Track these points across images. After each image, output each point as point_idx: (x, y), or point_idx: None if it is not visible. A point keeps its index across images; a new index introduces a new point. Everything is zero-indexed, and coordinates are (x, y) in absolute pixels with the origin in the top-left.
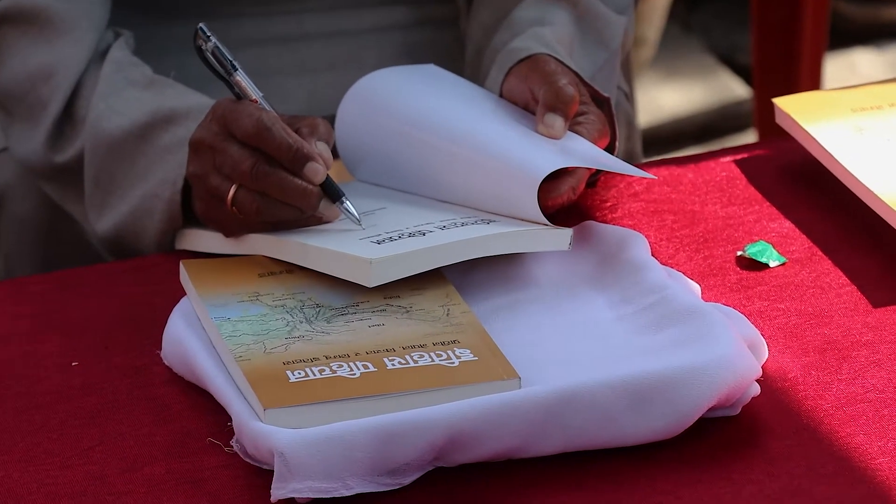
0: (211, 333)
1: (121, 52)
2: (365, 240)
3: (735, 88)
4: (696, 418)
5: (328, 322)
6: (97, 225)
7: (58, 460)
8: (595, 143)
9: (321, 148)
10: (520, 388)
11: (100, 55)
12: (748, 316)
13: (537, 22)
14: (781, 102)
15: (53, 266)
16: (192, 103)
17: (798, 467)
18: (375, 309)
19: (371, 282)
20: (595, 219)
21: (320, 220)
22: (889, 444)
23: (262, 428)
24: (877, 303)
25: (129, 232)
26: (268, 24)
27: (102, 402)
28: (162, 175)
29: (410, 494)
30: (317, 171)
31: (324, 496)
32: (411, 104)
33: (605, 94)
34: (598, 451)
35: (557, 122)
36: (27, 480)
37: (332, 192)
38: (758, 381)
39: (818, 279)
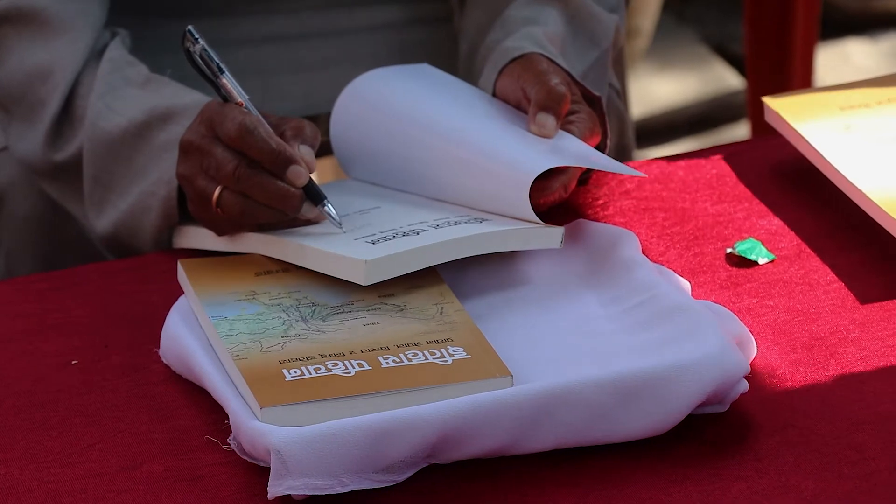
0: (208, 332)
1: (117, 51)
2: (360, 240)
3: (728, 79)
4: (686, 415)
5: (323, 320)
6: (96, 223)
7: (58, 458)
8: (586, 141)
9: (304, 151)
10: (512, 385)
11: (97, 54)
12: (737, 312)
13: (529, 21)
14: (771, 101)
15: (54, 264)
16: (188, 102)
17: (786, 463)
18: (370, 307)
19: (366, 281)
20: (587, 217)
21: (307, 221)
22: (876, 440)
23: (258, 426)
24: (864, 299)
25: (127, 230)
26: (264, 23)
27: (102, 401)
28: (158, 173)
29: (404, 491)
30: (299, 174)
31: (320, 493)
32: (405, 103)
33: (597, 94)
34: (590, 449)
35: (549, 120)
36: (27, 478)
37: (313, 196)
38: (746, 377)
39: (806, 276)
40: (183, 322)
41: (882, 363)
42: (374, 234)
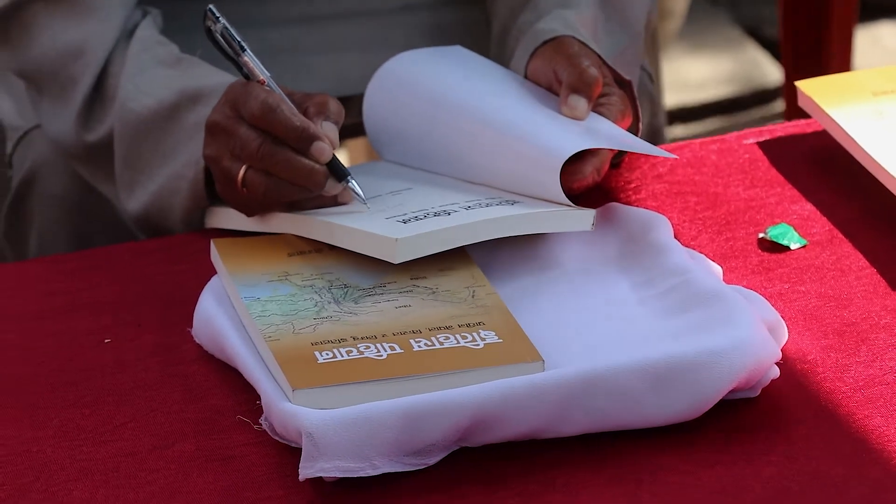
0: (241, 312)
1: (148, 30)
2: (391, 219)
3: (761, 61)
4: (717, 401)
5: (356, 302)
6: (128, 204)
7: (90, 436)
8: (618, 124)
9: (327, 128)
10: (543, 370)
11: (128, 33)
12: (769, 298)
13: (562, 3)
14: (803, 85)
15: (86, 244)
16: (217, 82)
17: (816, 449)
18: (402, 290)
19: (397, 259)
20: (619, 200)
21: (333, 200)
22: None
23: (290, 408)
24: None
25: (157, 210)
26: (297, 3)
27: (134, 380)
28: (187, 155)
29: (435, 474)
30: (323, 150)
31: (351, 475)
32: (438, 86)
33: (627, 77)
34: (620, 433)
35: (581, 103)
36: (60, 456)
37: (338, 172)
38: (777, 363)
39: (838, 262)
40: (216, 302)
41: None
42: (406, 214)
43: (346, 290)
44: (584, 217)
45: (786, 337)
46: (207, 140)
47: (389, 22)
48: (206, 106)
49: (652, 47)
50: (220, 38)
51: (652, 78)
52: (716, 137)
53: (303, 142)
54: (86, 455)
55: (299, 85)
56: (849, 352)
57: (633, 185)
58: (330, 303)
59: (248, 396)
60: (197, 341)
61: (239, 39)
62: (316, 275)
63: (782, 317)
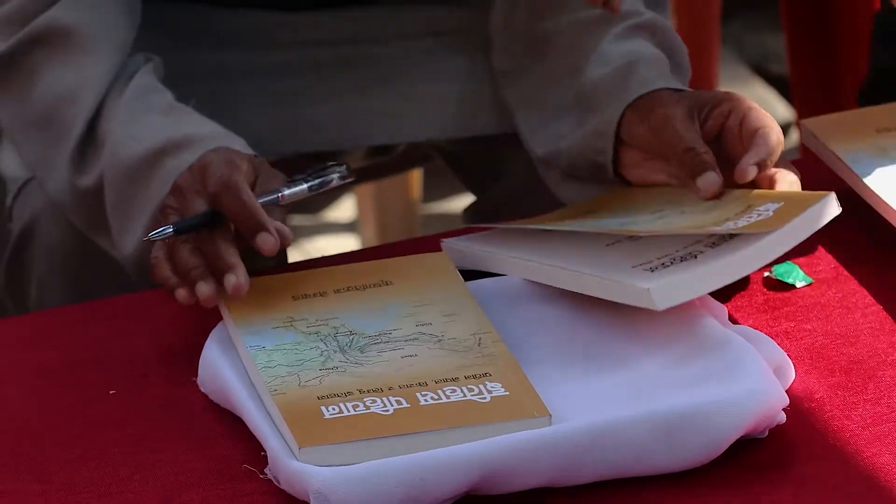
0: (247, 363)
1: (146, 77)
2: (638, 267)
3: (769, 98)
4: (725, 448)
5: (361, 351)
6: (122, 248)
7: (96, 490)
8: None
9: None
10: (550, 425)
11: (126, 78)
12: (774, 336)
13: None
14: (808, 123)
15: (85, 294)
16: (205, 132)
17: (825, 488)
18: (408, 338)
19: (659, 306)
20: None
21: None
22: None
23: (297, 466)
24: None
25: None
26: (299, 50)
27: (140, 432)
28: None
29: None
30: (266, 240)
31: None
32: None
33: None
34: None
35: (752, 172)
36: None
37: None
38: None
39: (844, 299)
40: (221, 351)
41: None
42: (651, 262)
43: (351, 337)
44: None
45: (793, 376)
46: (168, 198)
47: (391, 68)
48: (190, 153)
49: None
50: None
51: None
52: None
53: (251, 229)
54: None
55: (301, 136)
56: (856, 390)
57: None
58: (336, 352)
59: (254, 445)
60: (203, 391)
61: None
62: (321, 320)
63: (789, 355)
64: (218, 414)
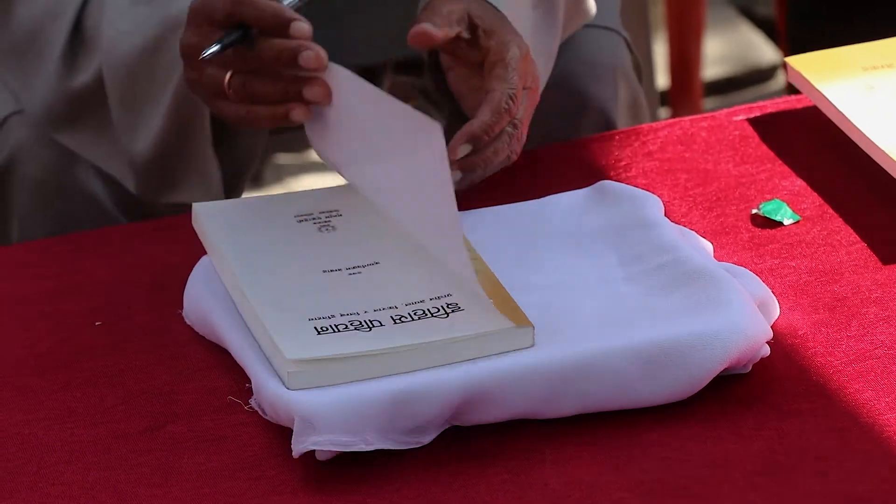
0: (229, 286)
1: None
2: (311, 322)
3: (755, 41)
4: (708, 381)
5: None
6: (133, 147)
7: (81, 419)
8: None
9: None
10: (532, 337)
11: None
12: (759, 273)
13: None
14: (794, 61)
15: (67, 228)
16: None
17: (807, 423)
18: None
19: (290, 386)
20: (609, 178)
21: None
22: None
23: (282, 392)
24: (886, 260)
25: (177, 128)
26: None
27: (125, 362)
28: (177, 87)
29: (424, 452)
30: (302, 28)
31: (343, 450)
32: None
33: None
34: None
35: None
36: (51, 440)
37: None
38: (768, 341)
39: (829, 237)
40: (205, 282)
41: None
42: (333, 316)
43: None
44: (525, 335)
45: (777, 312)
46: (185, 68)
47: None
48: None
49: (644, 28)
50: None
51: (629, 45)
52: (706, 114)
53: (280, 25)
54: (77, 438)
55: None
56: (840, 326)
57: (623, 163)
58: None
59: (239, 375)
60: (188, 322)
61: None
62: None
63: (773, 292)
64: (203, 346)
